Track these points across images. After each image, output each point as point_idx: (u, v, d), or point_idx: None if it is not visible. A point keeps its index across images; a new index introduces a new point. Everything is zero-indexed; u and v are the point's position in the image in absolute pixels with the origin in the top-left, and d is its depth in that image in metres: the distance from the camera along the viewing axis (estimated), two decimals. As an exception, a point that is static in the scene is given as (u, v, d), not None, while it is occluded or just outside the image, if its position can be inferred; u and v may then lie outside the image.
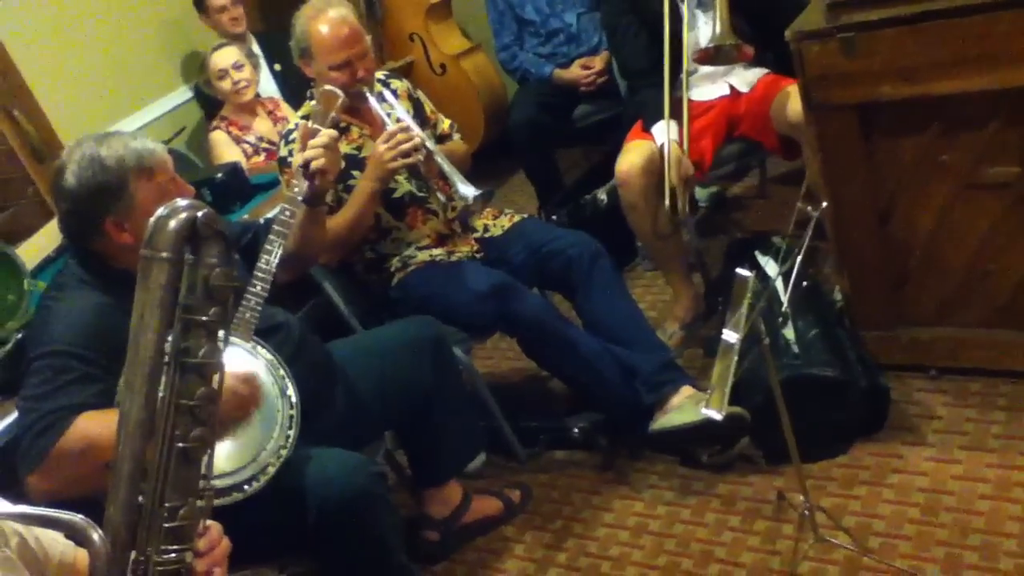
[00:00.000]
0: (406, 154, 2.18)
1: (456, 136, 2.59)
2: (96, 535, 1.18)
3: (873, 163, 2.09)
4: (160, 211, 1.08)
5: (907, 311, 2.24)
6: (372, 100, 2.29)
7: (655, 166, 2.52)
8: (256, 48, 3.60)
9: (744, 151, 2.80)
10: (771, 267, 2.48)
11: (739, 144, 2.74)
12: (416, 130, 2.23)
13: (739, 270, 1.72)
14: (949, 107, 1.94)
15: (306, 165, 1.93)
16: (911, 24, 1.87)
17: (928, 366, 2.26)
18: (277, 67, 3.63)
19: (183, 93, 3.86)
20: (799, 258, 1.81)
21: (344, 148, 2.26)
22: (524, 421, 2.51)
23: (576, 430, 2.42)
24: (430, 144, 2.25)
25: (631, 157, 2.56)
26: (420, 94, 2.56)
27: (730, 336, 1.58)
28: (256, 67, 3.43)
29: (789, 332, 2.23)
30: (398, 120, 2.27)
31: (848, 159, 2.10)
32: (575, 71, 3.40)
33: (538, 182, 3.58)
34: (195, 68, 3.74)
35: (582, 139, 3.64)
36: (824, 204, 1.86)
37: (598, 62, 3.37)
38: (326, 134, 1.96)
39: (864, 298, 2.27)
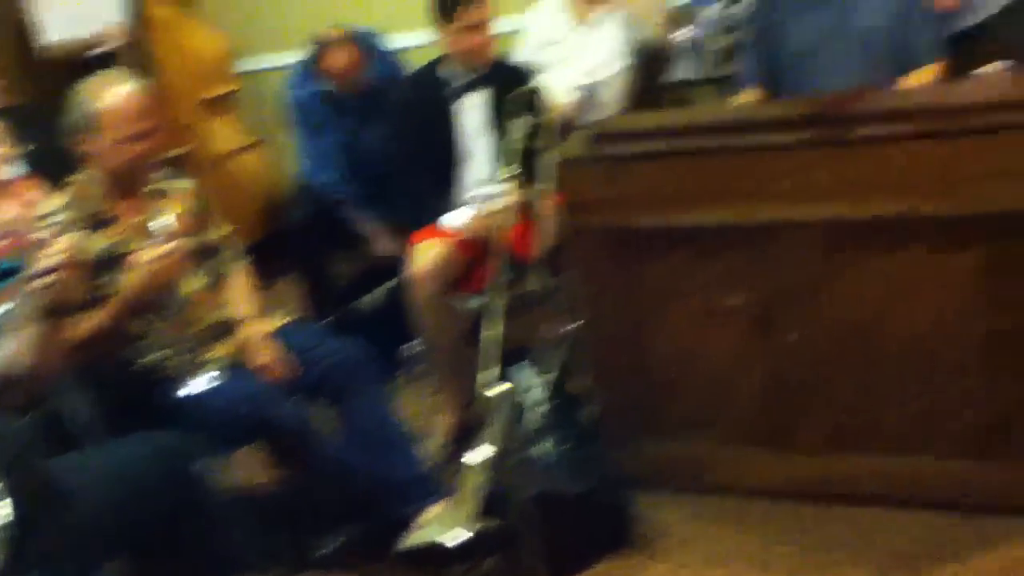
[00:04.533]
0: (168, 270, 2.08)
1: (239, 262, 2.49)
2: None
3: (626, 284, 2.20)
4: None
5: (655, 428, 2.33)
6: (150, 188, 2.20)
7: (446, 267, 2.56)
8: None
9: (516, 264, 2.88)
10: (529, 380, 2.54)
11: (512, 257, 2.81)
12: (181, 243, 2.14)
13: (490, 389, 1.74)
14: (693, 237, 2.08)
15: (37, 276, 1.77)
16: (662, 159, 2.02)
17: (673, 482, 2.34)
18: (30, 146, 3.38)
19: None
20: (554, 372, 1.86)
21: (100, 243, 2.13)
22: (278, 537, 2.37)
23: (329, 547, 2.32)
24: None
25: (422, 258, 2.60)
26: (202, 196, 2.45)
27: (475, 455, 1.57)
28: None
29: (542, 447, 2.27)
30: (166, 226, 2.17)
31: (603, 280, 2.20)
32: None
33: (310, 283, 3.51)
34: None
35: (359, 241, 3.61)
36: (580, 321, 1.93)
37: None
38: (66, 241, 1.82)
39: (615, 414, 2.34)
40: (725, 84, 2.92)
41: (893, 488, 2.08)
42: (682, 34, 3.28)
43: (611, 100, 3.38)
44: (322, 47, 3.27)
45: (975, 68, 2.41)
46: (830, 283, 1.99)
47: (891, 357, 2.02)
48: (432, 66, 2.84)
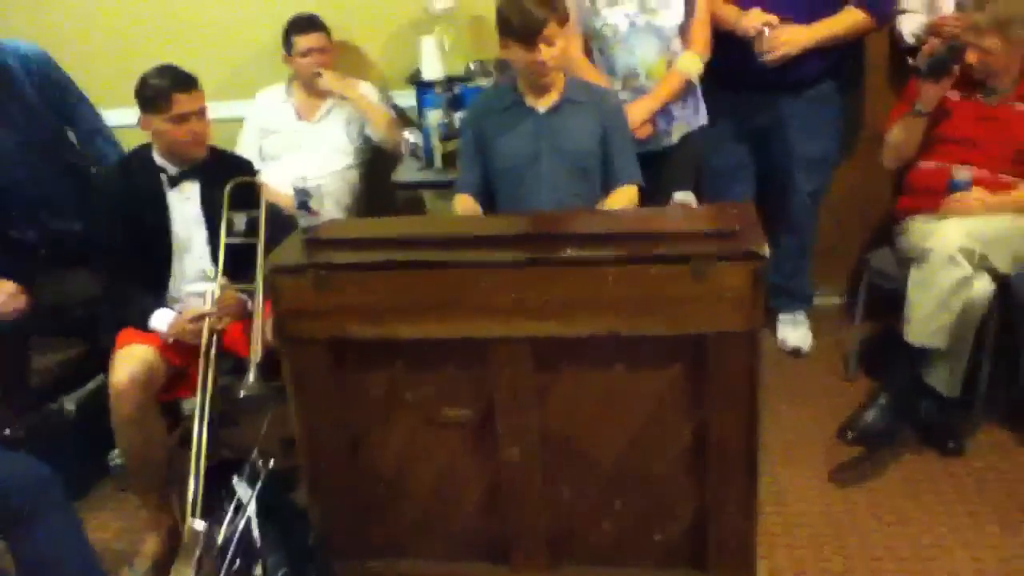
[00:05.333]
0: None
1: None
2: None
3: (344, 396, 2.12)
4: None
5: (376, 543, 2.25)
6: None
7: (153, 372, 2.40)
8: None
9: (232, 367, 2.71)
10: (243, 494, 2.37)
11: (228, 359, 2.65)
12: None
13: (194, 522, 1.58)
14: (411, 349, 2.04)
15: None
16: (378, 270, 1.97)
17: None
18: None
19: None
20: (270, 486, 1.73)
21: None
22: None
23: None
24: None
25: (127, 366, 2.39)
26: None
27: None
28: None
29: (258, 570, 2.11)
30: None
31: (320, 390, 2.10)
32: None
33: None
34: None
35: (67, 331, 3.25)
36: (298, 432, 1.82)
37: None
38: None
39: (336, 529, 2.24)
40: (451, 187, 2.95)
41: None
42: (409, 135, 3.31)
43: (335, 197, 3.35)
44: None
45: (660, 188, 2.66)
46: (545, 398, 2.02)
47: (604, 470, 2.07)
48: (143, 151, 2.65)
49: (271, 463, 2.38)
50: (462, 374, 2.05)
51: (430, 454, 2.14)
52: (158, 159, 2.61)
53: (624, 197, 2.59)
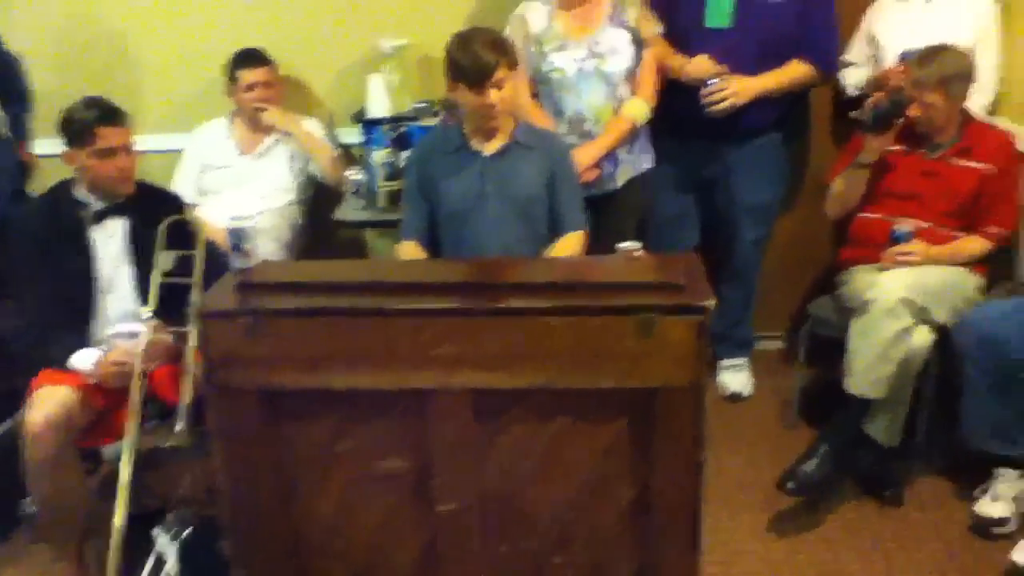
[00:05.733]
0: None
1: None
2: None
3: (275, 448, 2.02)
4: None
5: (306, 602, 2.14)
6: None
7: (72, 416, 2.31)
8: None
9: (158, 412, 2.60)
10: (164, 546, 2.27)
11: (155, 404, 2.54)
12: None
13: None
14: (347, 399, 1.97)
15: None
16: (312, 317, 1.90)
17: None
18: None
19: None
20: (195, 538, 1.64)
21: None
22: None
23: None
24: None
25: (44, 407, 2.29)
26: None
27: None
28: None
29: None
30: None
31: (249, 442, 2.00)
32: None
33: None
34: None
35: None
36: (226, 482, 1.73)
37: None
38: None
39: (263, 587, 2.13)
40: (394, 227, 2.89)
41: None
42: (354, 173, 3.25)
43: (275, 234, 3.26)
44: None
45: (605, 232, 2.67)
46: (484, 451, 1.96)
47: (544, 525, 2.01)
48: (66, 186, 2.54)
49: (195, 513, 2.29)
50: (400, 425, 1.98)
51: (365, 509, 2.06)
52: (81, 194, 2.51)
53: (570, 244, 2.57)
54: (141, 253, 2.48)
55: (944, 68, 2.72)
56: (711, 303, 1.80)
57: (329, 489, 2.06)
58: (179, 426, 2.29)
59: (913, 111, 2.76)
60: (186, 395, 2.29)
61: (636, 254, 2.15)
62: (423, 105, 3.40)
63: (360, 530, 2.09)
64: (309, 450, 2.03)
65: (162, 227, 2.44)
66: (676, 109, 2.97)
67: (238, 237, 2.12)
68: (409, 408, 1.95)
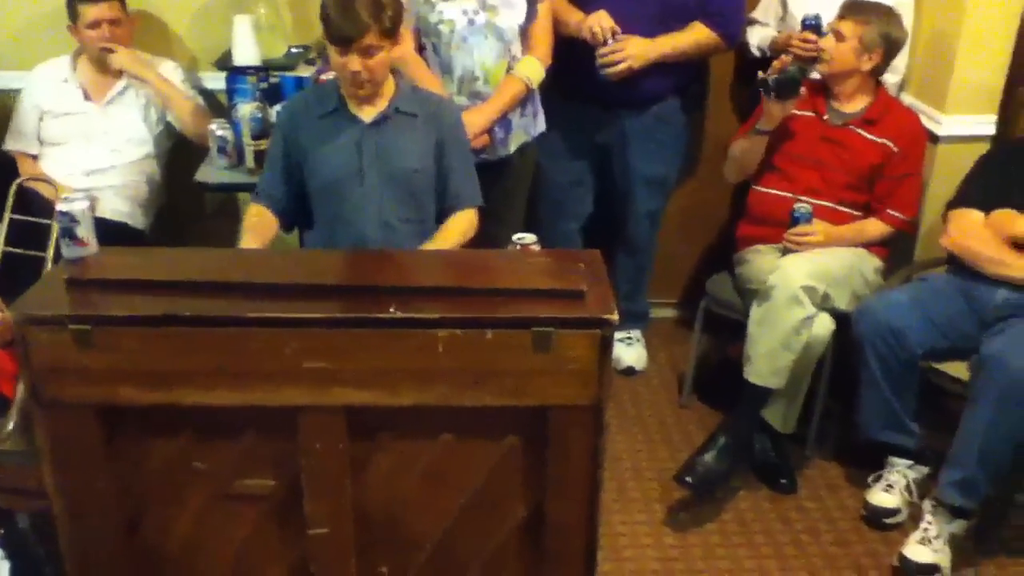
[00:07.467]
0: None
1: None
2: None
3: (118, 467, 1.76)
4: None
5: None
6: None
7: None
8: None
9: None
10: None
11: None
12: None
13: None
14: (201, 416, 1.72)
15: None
16: (157, 327, 1.62)
17: None
18: None
19: None
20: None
21: None
22: None
23: None
24: None
25: None
26: None
27: None
28: None
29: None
30: None
31: (86, 462, 1.73)
32: None
33: None
34: None
35: None
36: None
37: None
38: None
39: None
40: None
41: None
42: (218, 127, 2.89)
43: (129, 192, 2.92)
44: None
45: (495, 202, 2.51)
46: (361, 470, 1.75)
47: (427, 549, 1.83)
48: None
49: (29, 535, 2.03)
50: (264, 442, 1.75)
51: (225, 532, 1.83)
52: None
53: (463, 222, 2.35)
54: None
55: (881, 24, 2.62)
56: (614, 315, 1.62)
57: (184, 509, 1.82)
58: (10, 427, 2.00)
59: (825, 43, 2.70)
60: (20, 389, 2.00)
61: (533, 248, 1.94)
62: (298, 51, 3.08)
63: (218, 556, 1.86)
64: (160, 468, 1.77)
65: (13, 190, 2.10)
66: (572, 71, 2.75)
67: (71, 220, 1.79)
68: (274, 424, 1.71)
